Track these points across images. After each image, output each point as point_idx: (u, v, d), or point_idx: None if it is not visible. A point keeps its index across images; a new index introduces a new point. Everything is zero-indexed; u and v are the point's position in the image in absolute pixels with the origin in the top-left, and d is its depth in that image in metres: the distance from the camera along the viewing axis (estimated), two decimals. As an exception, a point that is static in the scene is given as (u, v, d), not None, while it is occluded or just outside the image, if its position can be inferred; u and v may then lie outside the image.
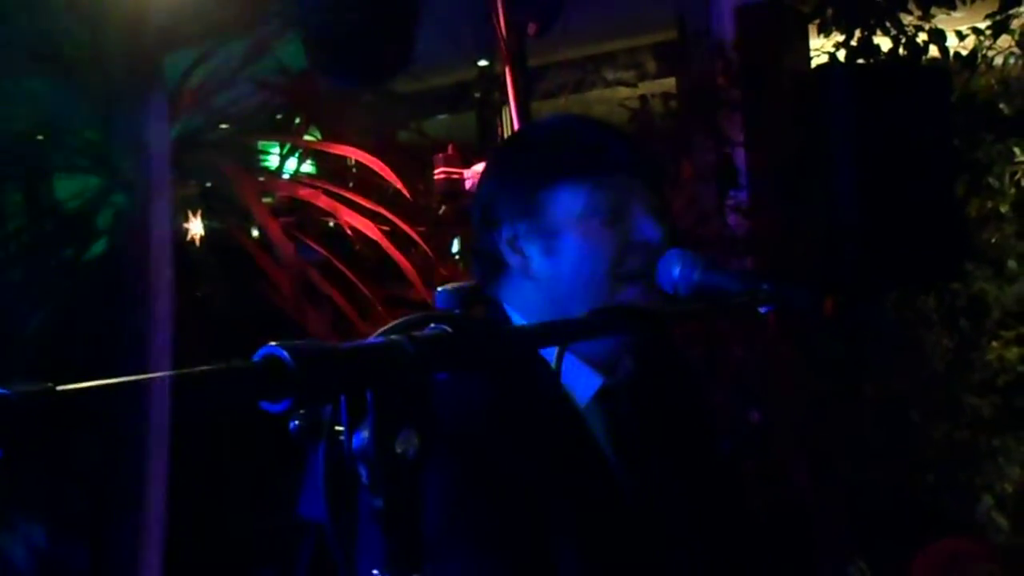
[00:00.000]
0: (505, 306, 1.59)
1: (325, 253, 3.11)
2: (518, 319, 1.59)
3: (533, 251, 1.56)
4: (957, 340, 4.53)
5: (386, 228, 3.07)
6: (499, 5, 2.88)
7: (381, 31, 2.65)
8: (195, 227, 3.16)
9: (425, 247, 3.16)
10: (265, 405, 0.66)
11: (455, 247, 3.89)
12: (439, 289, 0.84)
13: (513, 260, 1.58)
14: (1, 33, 2.87)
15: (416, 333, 0.74)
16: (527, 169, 1.59)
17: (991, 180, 4.31)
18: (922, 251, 3.85)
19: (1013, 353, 4.78)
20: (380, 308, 3.21)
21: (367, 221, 3.05)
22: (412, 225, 3.18)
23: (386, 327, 0.76)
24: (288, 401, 0.65)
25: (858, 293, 3.82)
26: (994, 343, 4.72)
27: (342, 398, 0.69)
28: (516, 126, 2.84)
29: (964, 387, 4.39)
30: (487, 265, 1.61)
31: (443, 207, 3.50)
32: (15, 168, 3.50)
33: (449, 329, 0.75)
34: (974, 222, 4.34)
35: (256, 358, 0.66)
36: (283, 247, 2.81)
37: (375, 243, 3.13)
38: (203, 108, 3.38)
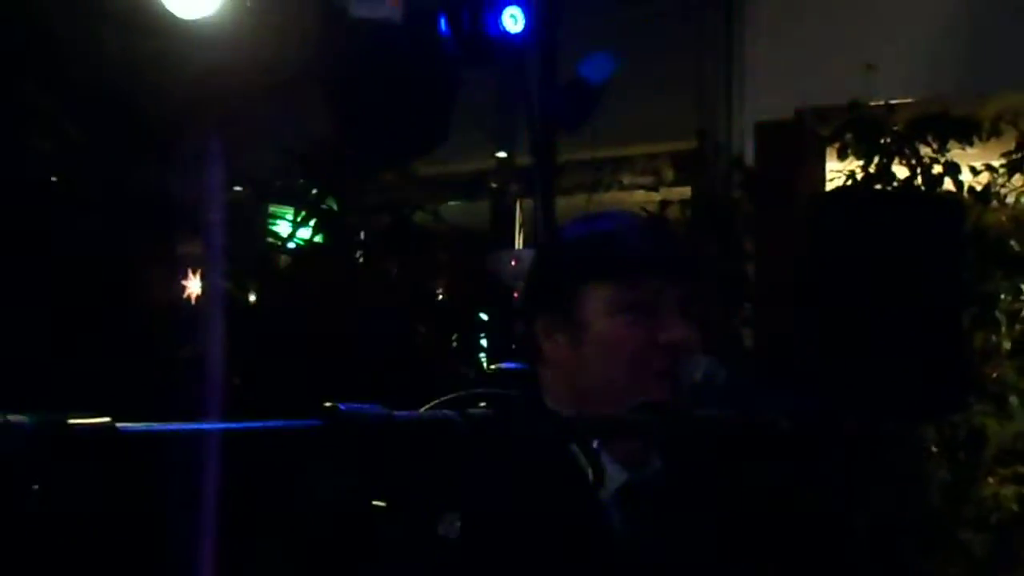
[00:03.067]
0: (543, 394, 1.61)
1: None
2: (550, 403, 1.60)
3: (563, 340, 1.59)
4: (954, 473, 4.48)
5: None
6: (533, 97, 2.91)
7: (418, 110, 2.67)
8: (193, 286, 3.14)
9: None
10: (323, 471, 0.63)
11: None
12: (493, 367, 0.82)
13: (546, 348, 1.61)
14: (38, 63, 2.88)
15: (468, 411, 0.72)
16: (560, 263, 1.65)
17: (998, 315, 4.32)
18: (928, 383, 3.84)
19: (1009, 491, 4.73)
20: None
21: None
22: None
23: (438, 401, 0.74)
24: (347, 470, 0.63)
25: (859, 422, 3.81)
26: (990, 479, 4.68)
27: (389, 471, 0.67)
28: (541, 218, 2.85)
29: (959, 522, 4.34)
30: (527, 353, 1.65)
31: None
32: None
33: (500, 411, 0.73)
34: (978, 356, 4.33)
35: (314, 420, 0.63)
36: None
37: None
38: (224, 167, 3.38)
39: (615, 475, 1.54)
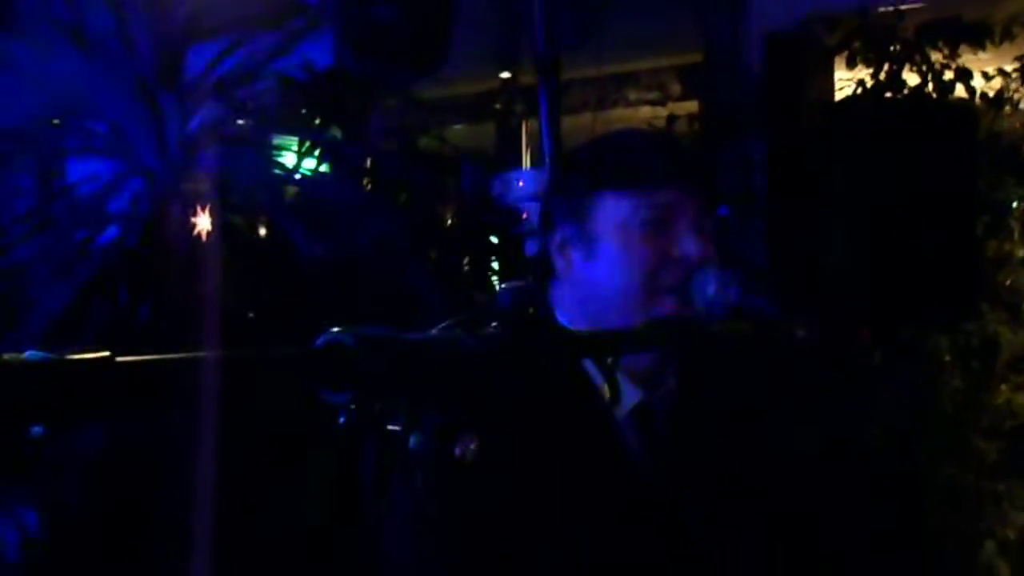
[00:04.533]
0: (556, 312, 1.62)
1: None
2: (565, 322, 1.60)
3: (576, 256, 1.59)
4: (967, 381, 4.49)
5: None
6: (536, 14, 2.85)
7: (418, 28, 2.62)
8: (203, 222, 3.12)
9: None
10: (326, 395, 0.62)
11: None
12: (502, 286, 0.81)
13: (559, 264, 1.61)
14: (29, 8, 2.84)
15: (478, 331, 0.71)
16: (577, 177, 1.63)
17: (1011, 222, 4.29)
18: (939, 290, 3.83)
19: (1022, 398, 4.74)
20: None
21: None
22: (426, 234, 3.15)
23: (446, 323, 0.73)
24: (349, 392, 0.61)
25: (873, 329, 3.80)
26: (1003, 386, 4.69)
27: (400, 393, 0.65)
28: (547, 139, 2.82)
29: (972, 429, 4.35)
30: (541, 268, 1.65)
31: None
32: (28, 150, 3.47)
33: (510, 328, 0.72)
34: (991, 263, 4.31)
35: (319, 343, 0.62)
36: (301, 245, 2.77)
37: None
38: (226, 100, 3.34)
39: (629, 394, 1.54)
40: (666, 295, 1.52)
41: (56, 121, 3.45)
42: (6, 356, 0.51)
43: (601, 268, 1.56)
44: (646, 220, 1.54)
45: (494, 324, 0.73)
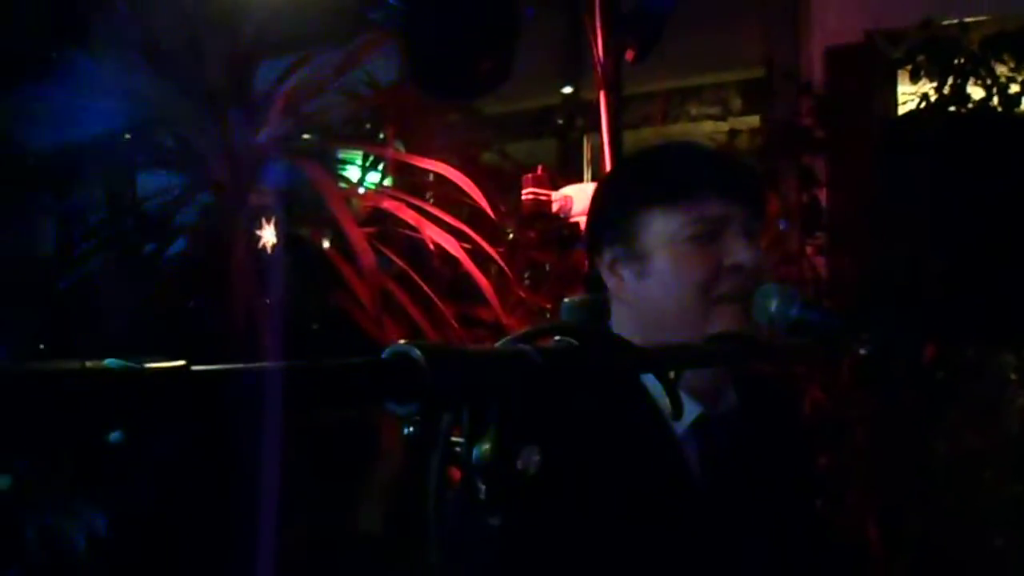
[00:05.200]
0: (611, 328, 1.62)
1: (404, 266, 3.12)
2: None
3: (628, 274, 1.58)
4: None
5: (467, 246, 3.06)
6: (598, 29, 2.87)
7: (482, 46, 2.65)
8: (268, 235, 3.17)
9: (504, 267, 3.15)
10: (392, 406, 0.64)
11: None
12: (564, 300, 0.82)
13: (611, 283, 1.60)
14: (100, 23, 2.91)
15: (544, 345, 0.72)
16: (623, 193, 1.61)
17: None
18: (1008, 307, 3.78)
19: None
20: (455, 325, 3.20)
21: (449, 237, 3.05)
22: (492, 245, 3.17)
23: (512, 336, 0.75)
24: (416, 404, 0.63)
25: (939, 345, 3.76)
26: None
27: (465, 406, 0.67)
28: (608, 154, 2.83)
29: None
30: (593, 289, 1.64)
31: (526, 229, 3.49)
32: (99, 164, 3.54)
33: (576, 342, 0.73)
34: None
35: (386, 355, 0.64)
36: (365, 257, 2.81)
37: (453, 260, 3.13)
38: (292, 115, 3.40)
39: (689, 409, 1.54)
40: (723, 308, 1.52)
41: (127, 136, 3.52)
42: (89, 364, 0.54)
43: (654, 285, 1.55)
44: (694, 231, 1.52)
45: (557, 338, 0.74)
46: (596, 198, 1.69)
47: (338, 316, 3.10)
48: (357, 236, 2.82)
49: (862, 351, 1.39)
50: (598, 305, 1.43)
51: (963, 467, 4.18)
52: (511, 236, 3.77)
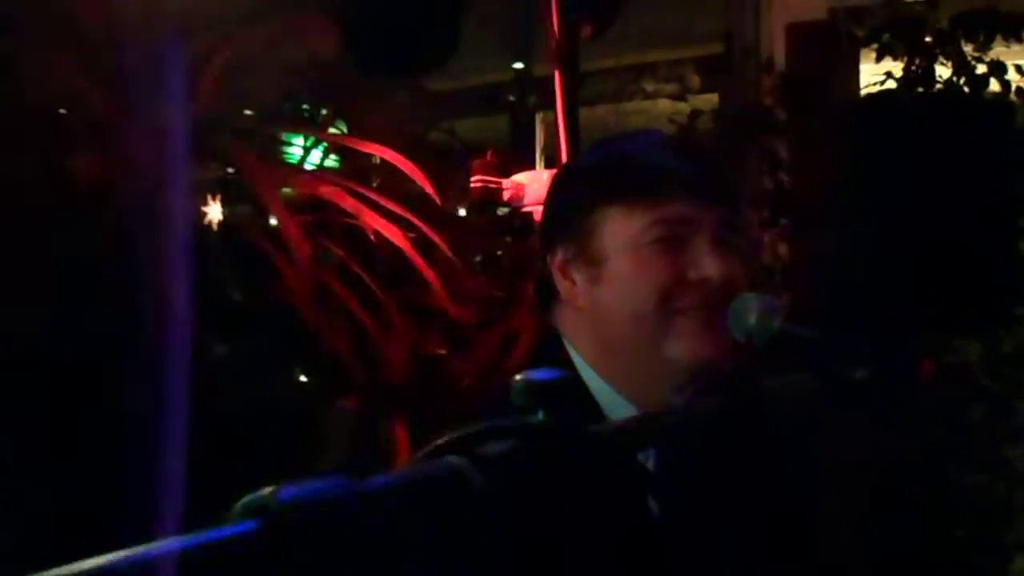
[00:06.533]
0: (563, 339, 1.45)
1: (343, 256, 2.93)
2: (575, 354, 1.43)
3: (580, 278, 1.41)
4: (998, 387, 4.36)
5: (411, 234, 2.88)
6: (552, 3, 2.68)
7: (425, 20, 2.46)
8: (213, 211, 2.97)
9: (450, 255, 2.97)
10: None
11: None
12: (515, 379, 0.66)
13: (562, 287, 1.43)
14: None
15: (482, 451, 0.54)
16: (579, 187, 1.45)
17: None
18: (975, 294, 3.66)
19: (1052, 405, 4.59)
20: (398, 316, 3.03)
21: (391, 225, 2.87)
22: (439, 231, 2.99)
23: (441, 441, 0.57)
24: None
25: (905, 335, 3.64)
26: None
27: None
28: (563, 133, 2.66)
29: (1003, 437, 4.21)
30: (543, 291, 1.47)
31: (475, 216, 3.30)
32: (32, 141, 3.32)
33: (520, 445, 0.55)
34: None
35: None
36: (299, 248, 2.62)
37: (397, 248, 2.95)
38: (225, 92, 3.19)
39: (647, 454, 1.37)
40: (684, 318, 1.35)
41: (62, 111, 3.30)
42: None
43: (609, 292, 1.38)
44: (659, 236, 1.35)
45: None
46: (551, 190, 1.51)
47: (273, 308, 2.92)
48: (288, 225, 2.63)
49: (859, 375, 1.23)
50: (556, 386, 1.27)
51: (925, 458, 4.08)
52: (460, 220, 3.59)
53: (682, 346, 1.34)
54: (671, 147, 1.47)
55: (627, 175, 1.39)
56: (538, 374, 0.66)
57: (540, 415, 0.62)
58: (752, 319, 1.29)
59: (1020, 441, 4.23)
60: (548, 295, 1.46)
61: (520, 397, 0.65)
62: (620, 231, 1.37)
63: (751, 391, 0.96)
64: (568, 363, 1.42)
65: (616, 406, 1.38)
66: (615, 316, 1.37)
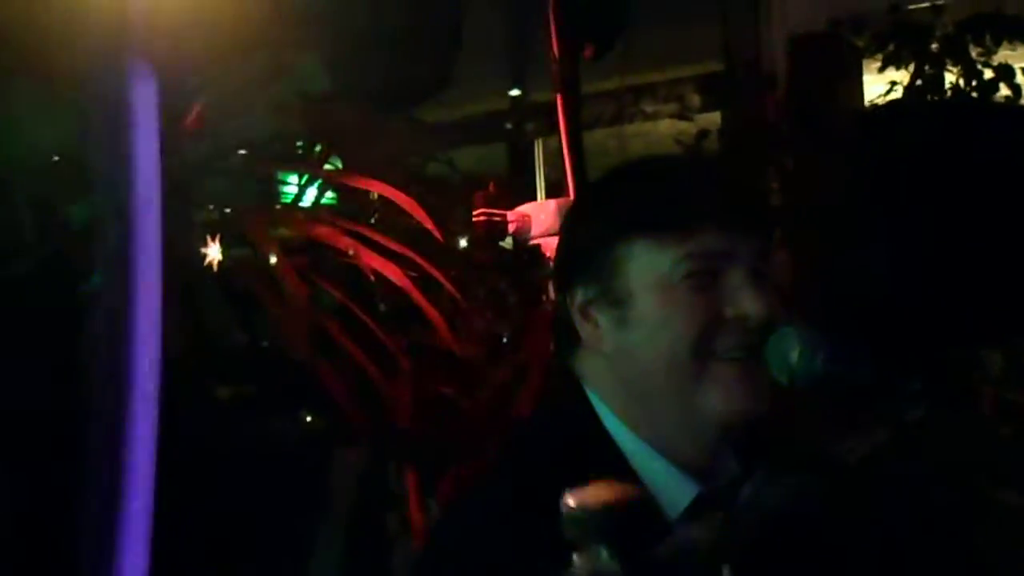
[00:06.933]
0: (585, 386, 1.31)
1: (342, 298, 2.82)
2: (597, 402, 1.30)
3: (604, 320, 1.28)
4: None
5: (413, 274, 2.77)
6: (552, 25, 2.58)
7: (416, 50, 2.36)
8: (213, 252, 2.87)
9: (455, 293, 2.86)
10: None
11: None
12: (564, 504, 0.56)
13: (584, 331, 1.30)
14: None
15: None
16: (600, 221, 1.30)
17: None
18: (994, 308, 3.55)
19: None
20: (402, 357, 2.92)
21: (391, 264, 2.76)
22: (442, 267, 2.88)
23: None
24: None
25: (922, 355, 3.51)
26: None
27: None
28: (568, 158, 2.56)
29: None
30: (562, 335, 1.34)
31: (480, 251, 3.19)
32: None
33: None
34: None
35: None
36: (295, 294, 2.51)
37: (398, 286, 2.84)
38: (214, 133, 3.10)
39: (684, 489, 1.26)
40: (722, 365, 1.22)
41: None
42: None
43: (636, 335, 1.25)
44: (691, 271, 1.23)
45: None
46: (568, 224, 1.39)
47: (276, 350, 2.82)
48: (286, 271, 2.51)
49: (914, 415, 1.12)
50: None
51: (958, 474, 3.96)
52: (463, 254, 3.47)
53: (720, 395, 1.22)
54: (700, 172, 1.36)
55: (653, 205, 1.26)
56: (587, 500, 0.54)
57: (603, 554, 0.51)
58: (794, 357, 1.18)
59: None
60: (567, 338, 1.33)
61: (574, 529, 0.53)
62: (647, 267, 1.24)
63: (829, 464, 0.84)
64: (590, 413, 1.29)
65: (646, 460, 1.26)
66: (644, 362, 1.25)
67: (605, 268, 1.26)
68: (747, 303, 1.22)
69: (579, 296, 1.29)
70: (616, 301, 1.26)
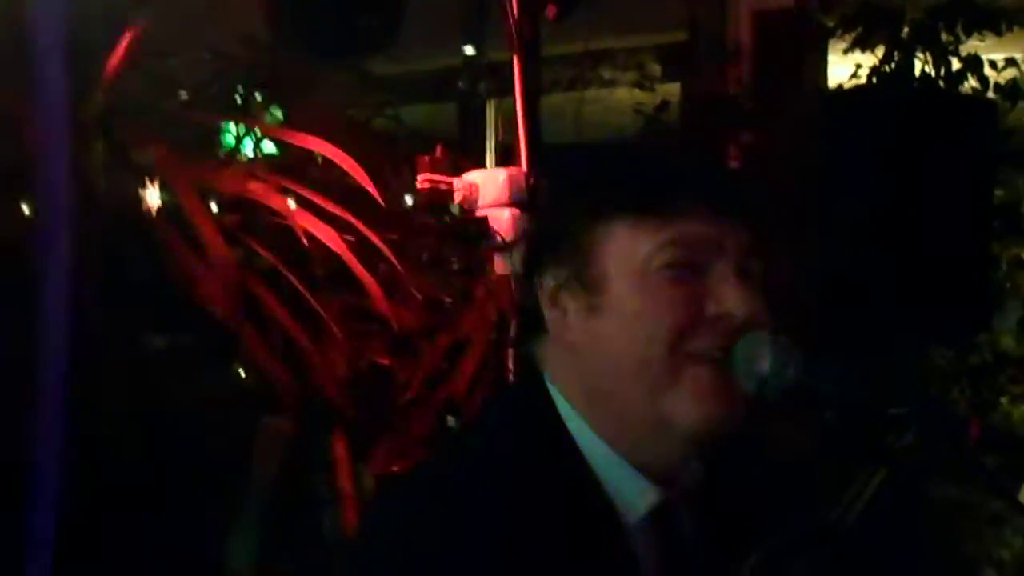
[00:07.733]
0: (546, 379, 1.21)
1: (273, 259, 2.66)
2: (560, 399, 1.19)
3: (574, 307, 1.17)
4: (969, 393, 4.25)
5: (350, 237, 2.63)
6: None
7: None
8: (151, 197, 2.70)
9: (394, 259, 2.71)
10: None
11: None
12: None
13: (551, 317, 1.19)
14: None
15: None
16: (575, 200, 1.20)
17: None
18: (950, 304, 3.46)
19: (1020, 412, 4.53)
20: (335, 324, 2.77)
21: (326, 226, 2.61)
22: (380, 231, 2.73)
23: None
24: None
25: (874, 349, 3.44)
26: (1002, 399, 4.48)
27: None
28: (522, 122, 2.43)
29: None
30: (527, 323, 1.24)
31: (423, 215, 3.04)
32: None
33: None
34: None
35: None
36: (215, 251, 2.36)
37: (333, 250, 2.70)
38: (147, 72, 2.93)
39: (644, 494, 1.16)
40: (698, 366, 1.11)
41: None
42: None
43: (608, 324, 1.14)
44: (672, 261, 1.12)
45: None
46: (540, 203, 1.28)
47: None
48: (205, 226, 2.36)
49: (907, 439, 1.01)
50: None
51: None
52: (405, 216, 3.33)
53: (693, 401, 1.11)
54: (687, 153, 1.24)
55: (634, 184, 1.15)
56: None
57: None
58: (765, 365, 1.07)
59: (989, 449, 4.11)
60: (532, 326, 1.22)
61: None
62: (624, 252, 1.13)
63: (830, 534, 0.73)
64: (550, 409, 1.18)
65: (607, 461, 1.16)
66: (613, 356, 1.14)
67: (580, 250, 1.16)
68: (731, 301, 1.12)
69: (549, 279, 1.18)
70: (588, 287, 1.15)
